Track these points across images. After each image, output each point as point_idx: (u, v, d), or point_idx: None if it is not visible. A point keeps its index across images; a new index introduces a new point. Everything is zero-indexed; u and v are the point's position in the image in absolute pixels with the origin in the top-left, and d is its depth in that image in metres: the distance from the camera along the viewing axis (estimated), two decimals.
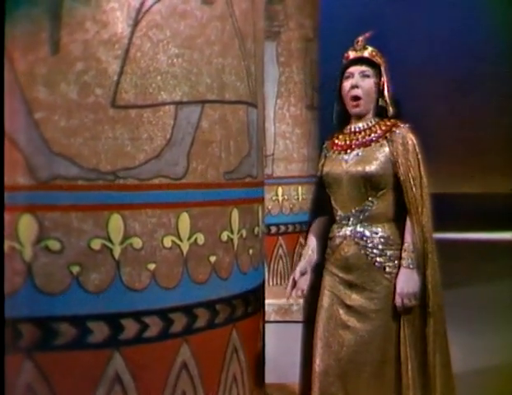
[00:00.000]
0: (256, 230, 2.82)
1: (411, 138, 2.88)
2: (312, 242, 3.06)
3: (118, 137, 2.29)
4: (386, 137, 2.87)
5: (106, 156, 2.27)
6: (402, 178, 2.81)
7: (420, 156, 2.87)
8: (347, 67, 2.98)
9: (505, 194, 15.41)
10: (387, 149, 2.84)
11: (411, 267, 2.75)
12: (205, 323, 2.49)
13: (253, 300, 2.72)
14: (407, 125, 2.93)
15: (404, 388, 2.75)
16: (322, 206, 3.05)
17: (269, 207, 6.65)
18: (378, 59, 3.00)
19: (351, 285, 2.86)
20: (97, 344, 2.21)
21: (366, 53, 3.00)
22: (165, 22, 2.39)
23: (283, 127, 6.91)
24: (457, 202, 15.17)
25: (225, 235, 2.59)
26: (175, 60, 2.43)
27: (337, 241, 2.90)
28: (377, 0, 15.45)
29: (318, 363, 2.88)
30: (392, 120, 2.93)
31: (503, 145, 15.71)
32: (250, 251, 2.73)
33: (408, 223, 2.81)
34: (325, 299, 2.92)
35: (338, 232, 2.91)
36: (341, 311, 2.84)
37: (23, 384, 2.11)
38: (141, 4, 2.33)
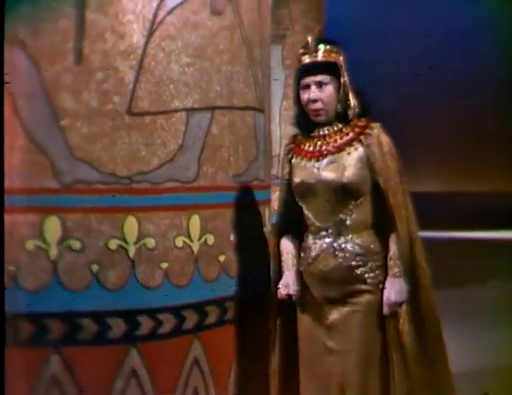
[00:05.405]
0: (263, 230, 2.94)
1: (386, 139, 2.67)
2: (290, 249, 2.76)
3: (133, 143, 2.41)
4: (360, 140, 2.65)
5: (122, 161, 2.40)
6: (382, 185, 2.63)
7: (396, 156, 2.67)
8: (302, 75, 2.71)
9: (505, 193, 15.44)
10: (362, 153, 2.63)
11: (398, 275, 2.60)
12: (215, 320, 2.60)
13: (260, 298, 2.82)
14: (379, 124, 2.68)
15: None
16: (292, 217, 2.77)
17: (275, 207, 6.70)
18: (333, 57, 2.69)
19: (330, 301, 2.65)
20: (115, 339, 2.33)
21: (320, 56, 2.68)
22: (177, 33, 2.51)
23: (288, 128, 6.97)
24: (460, 201, 15.22)
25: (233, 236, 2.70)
26: (187, 69, 2.54)
27: (313, 254, 2.66)
28: (382, 2, 15.51)
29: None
30: (362, 119, 2.69)
31: (504, 144, 15.79)
32: None
33: (392, 230, 2.63)
34: (304, 323, 2.71)
35: (315, 244, 2.66)
36: (323, 334, 2.64)
37: (50, 376, 2.24)
38: (155, 16, 2.45)
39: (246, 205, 2.84)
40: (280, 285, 2.66)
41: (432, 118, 15.72)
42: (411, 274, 2.64)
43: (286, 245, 2.76)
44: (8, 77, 2.28)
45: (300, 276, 2.69)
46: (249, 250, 2.83)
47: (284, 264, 2.73)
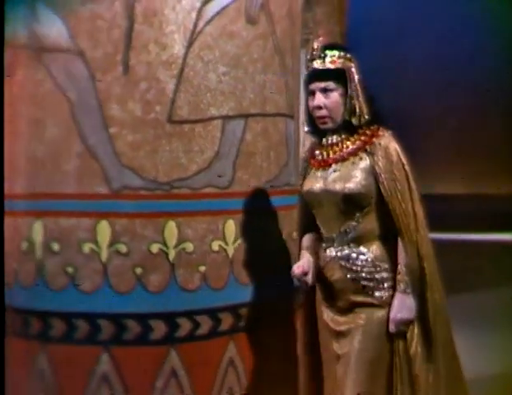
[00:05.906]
0: (294, 234, 3.00)
1: (395, 148, 2.57)
2: (309, 244, 2.74)
3: (173, 150, 2.50)
4: (366, 150, 2.58)
5: (163, 168, 2.49)
6: (387, 195, 2.54)
7: (406, 166, 2.58)
8: (310, 81, 2.63)
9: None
10: (367, 163, 2.56)
11: (407, 291, 2.51)
12: (248, 323, 2.67)
13: (292, 300, 2.89)
14: (388, 132, 2.60)
15: None
16: (311, 225, 2.73)
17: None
18: (340, 63, 2.60)
19: (339, 310, 2.62)
20: (156, 341, 2.42)
21: (327, 62, 2.60)
22: (214, 43, 2.59)
23: None
24: (471, 203, 15.19)
25: None
26: (223, 78, 2.62)
27: (322, 262, 2.64)
28: (404, 4, 15.51)
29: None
30: (371, 127, 2.60)
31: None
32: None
33: (400, 243, 2.55)
34: (320, 327, 2.70)
35: (324, 252, 2.63)
36: (334, 344, 2.62)
37: (101, 373, 2.37)
38: (195, 26, 2.52)
39: (278, 209, 2.91)
40: (294, 266, 2.62)
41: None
42: (419, 291, 2.54)
43: (305, 241, 2.73)
44: (66, 85, 2.40)
45: (317, 266, 2.64)
46: (281, 254, 2.90)
47: (301, 255, 2.70)
